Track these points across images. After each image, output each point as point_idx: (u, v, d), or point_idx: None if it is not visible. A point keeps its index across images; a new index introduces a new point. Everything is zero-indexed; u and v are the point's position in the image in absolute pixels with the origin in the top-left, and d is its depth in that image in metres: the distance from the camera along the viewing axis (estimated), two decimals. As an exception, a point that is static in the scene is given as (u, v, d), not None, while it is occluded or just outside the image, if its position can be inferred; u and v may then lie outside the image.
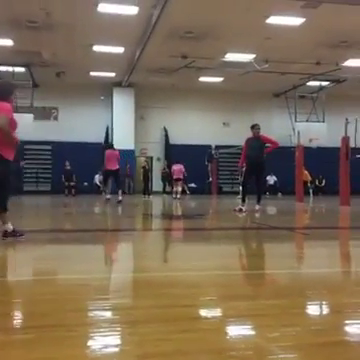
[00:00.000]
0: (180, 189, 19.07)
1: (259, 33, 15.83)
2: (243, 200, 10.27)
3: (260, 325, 2.07)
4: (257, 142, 10.17)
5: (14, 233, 4.95)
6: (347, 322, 2.19)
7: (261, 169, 10.35)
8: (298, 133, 17.28)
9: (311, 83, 22.26)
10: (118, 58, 19.01)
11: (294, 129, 19.58)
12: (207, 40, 16.54)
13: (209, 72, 20.88)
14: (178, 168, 19.21)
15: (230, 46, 17.52)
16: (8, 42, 16.77)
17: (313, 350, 1.75)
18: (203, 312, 2.35)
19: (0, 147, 4.80)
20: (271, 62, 18.65)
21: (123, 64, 19.90)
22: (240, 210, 9.98)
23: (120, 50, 17.99)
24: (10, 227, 4.97)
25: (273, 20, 14.70)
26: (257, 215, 9.35)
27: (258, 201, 10.25)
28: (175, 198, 17.98)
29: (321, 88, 22.50)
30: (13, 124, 4.90)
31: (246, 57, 18.73)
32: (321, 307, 2.52)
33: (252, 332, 2.01)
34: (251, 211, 9.84)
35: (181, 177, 19.19)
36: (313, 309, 2.49)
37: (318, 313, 2.43)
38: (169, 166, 21.44)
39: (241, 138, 23.71)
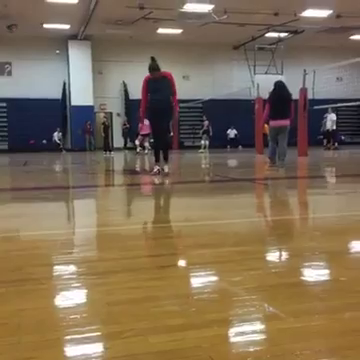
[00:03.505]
0: (147, 144, 19.09)
1: (218, -18, 15.52)
2: (156, 159, 7.85)
3: (224, 270, 2.16)
4: (161, 83, 7.53)
5: None
6: (305, 264, 2.32)
7: (165, 116, 7.68)
8: (257, 86, 17.34)
9: (270, 34, 22.23)
10: (73, 9, 18.28)
11: (253, 81, 19.63)
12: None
13: (168, 24, 20.45)
14: (148, 123, 19.07)
15: (188, -4, 17.15)
16: None
17: (275, 290, 1.85)
18: (169, 261, 2.43)
19: None
20: (230, 13, 18.41)
21: (78, 15, 19.17)
22: (157, 172, 7.59)
23: (74, 0, 17.27)
24: None
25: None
26: (167, 181, 7.02)
27: (165, 159, 7.76)
28: (145, 153, 17.97)
29: (280, 40, 22.51)
30: None
31: (205, 7, 18.41)
32: (281, 252, 2.64)
33: (217, 277, 2.10)
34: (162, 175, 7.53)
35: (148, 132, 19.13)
36: (274, 254, 2.61)
37: (278, 258, 2.55)
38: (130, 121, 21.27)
39: (202, 91, 23.90)
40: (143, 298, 1.78)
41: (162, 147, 7.87)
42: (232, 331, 1.48)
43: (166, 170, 7.58)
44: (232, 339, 1.43)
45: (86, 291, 1.93)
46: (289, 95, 8.76)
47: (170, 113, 7.76)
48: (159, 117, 7.59)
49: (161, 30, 21.86)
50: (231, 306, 1.69)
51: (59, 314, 1.66)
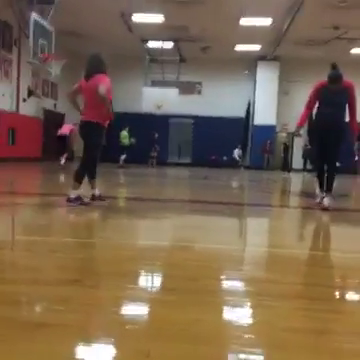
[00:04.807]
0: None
1: None
2: (321, 185, 6.38)
3: None
4: (338, 95, 6.12)
5: (100, 197, 5.40)
6: None
7: (338, 135, 6.12)
8: None
9: None
10: (265, 30, 18.63)
11: None
12: (362, 9, 15.39)
13: (362, 43, 19.48)
14: None
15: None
16: (159, 17, 17.40)
17: None
18: (350, 294, 2.25)
19: (96, 114, 5.17)
20: None
21: (270, 36, 19.46)
22: (321, 205, 6.01)
23: (268, 22, 17.56)
24: (97, 192, 5.42)
25: None
26: (326, 216, 5.58)
27: (329, 189, 6.18)
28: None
29: None
30: (109, 95, 5.20)
31: None
32: None
33: None
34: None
35: None
36: None
37: None
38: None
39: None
40: (320, 329, 1.67)
41: (328, 172, 6.35)
42: None
43: (326, 204, 5.92)
44: None
45: (260, 312, 1.89)
46: None
47: (344, 133, 6.19)
48: (330, 134, 6.13)
49: (355, 50, 20.89)
50: None
51: (232, 330, 1.65)
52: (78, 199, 5.12)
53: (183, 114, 23.85)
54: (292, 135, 5.74)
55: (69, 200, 5.10)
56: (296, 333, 1.64)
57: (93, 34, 19.35)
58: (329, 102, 6.12)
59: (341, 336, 1.64)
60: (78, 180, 5.22)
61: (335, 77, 6.17)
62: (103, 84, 5.06)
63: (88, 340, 1.48)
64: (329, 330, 1.68)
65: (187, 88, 24.03)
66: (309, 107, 6.38)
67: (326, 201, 5.97)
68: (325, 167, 6.46)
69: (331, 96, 6.12)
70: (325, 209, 5.87)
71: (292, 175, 18.22)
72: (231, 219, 5.22)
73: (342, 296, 2.21)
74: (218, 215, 5.27)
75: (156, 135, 21.67)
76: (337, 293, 2.24)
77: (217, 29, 18.63)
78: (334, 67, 6.24)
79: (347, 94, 6.15)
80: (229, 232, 4.18)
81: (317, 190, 6.52)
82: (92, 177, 5.47)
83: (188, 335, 1.54)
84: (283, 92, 24.05)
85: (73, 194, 5.13)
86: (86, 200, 5.24)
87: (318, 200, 6.30)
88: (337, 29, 17.45)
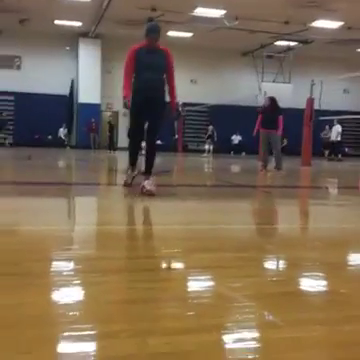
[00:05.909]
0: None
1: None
2: (132, 163, 5.67)
3: (224, 276, 2.15)
4: (157, 57, 5.26)
5: None
6: (306, 274, 2.31)
7: (159, 106, 5.27)
8: (264, 93, 17.37)
9: (279, 43, 22.28)
10: (85, 7, 18.35)
11: (260, 89, 19.67)
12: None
13: (178, 27, 20.50)
14: None
15: (200, 0, 17.19)
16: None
17: (272, 299, 1.85)
18: (168, 263, 2.42)
19: None
20: (241, 19, 18.45)
21: (90, 13, 19.24)
22: (129, 183, 5.68)
23: (87, -2, 17.35)
24: None
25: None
26: (147, 204, 4.85)
27: (149, 167, 5.39)
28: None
29: (289, 48, 22.56)
30: None
31: (216, 12, 18.46)
32: (280, 260, 2.64)
33: (216, 282, 2.10)
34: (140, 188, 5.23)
35: None
36: (273, 262, 2.60)
37: (277, 266, 2.55)
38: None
39: (209, 96, 23.91)
40: (141, 299, 1.77)
41: (147, 151, 5.52)
42: (230, 337, 1.47)
43: (148, 187, 5.08)
44: (230, 345, 1.43)
45: (85, 289, 1.93)
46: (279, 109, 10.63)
47: (165, 102, 5.33)
48: (150, 105, 5.19)
49: (171, 33, 21.89)
50: (230, 312, 1.69)
51: (58, 310, 1.65)
52: None
53: (1, 90, 22.32)
54: (124, 108, 5.05)
55: None
56: (121, 304, 1.71)
57: None
58: (147, 65, 5.18)
59: (163, 302, 1.77)
60: None
61: (154, 27, 5.31)
62: None
63: None
64: (152, 298, 1.79)
65: (5, 62, 22.54)
66: (127, 75, 5.39)
67: (148, 184, 5.15)
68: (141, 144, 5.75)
69: (148, 58, 5.20)
70: (149, 193, 5.04)
71: (118, 154, 18.54)
72: (58, 199, 5.13)
73: (162, 265, 2.37)
74: (45, 196, 5.13)
75: (4, 114, 20.30)
76: (157, 263, 2.40)
77: (34, 1, 17.73)
78: (151, 20, 5.49)
79: (165, 58, 5.27)
80: (57, 212, 4.11)
81: (129, 170, 5.72)
82: None
83: (9, 321, 1.50)
84: (106, 70, 24.11)
85: None
86: None
87: (129, 181, 5.64)
88: (154, 11, 18.03)
